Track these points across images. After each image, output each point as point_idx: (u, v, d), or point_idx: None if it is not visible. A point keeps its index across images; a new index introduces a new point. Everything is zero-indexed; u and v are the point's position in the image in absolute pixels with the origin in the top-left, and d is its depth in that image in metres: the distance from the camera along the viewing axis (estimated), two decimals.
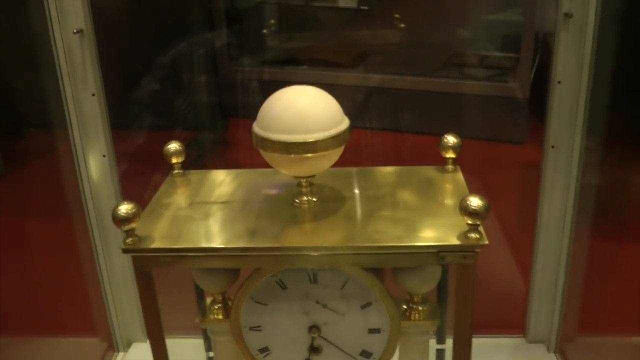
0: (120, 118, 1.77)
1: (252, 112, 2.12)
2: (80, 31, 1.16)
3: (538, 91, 2.10)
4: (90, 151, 1.24)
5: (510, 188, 1.84)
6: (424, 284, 0.83)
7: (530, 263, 1.29)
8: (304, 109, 0.75)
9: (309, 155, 0.75)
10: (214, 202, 0.85)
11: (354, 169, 0.91)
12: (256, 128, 0.78)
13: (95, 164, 1.24)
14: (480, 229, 0.76)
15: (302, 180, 0.82)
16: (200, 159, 1.97)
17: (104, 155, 1.24)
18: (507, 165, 1.97)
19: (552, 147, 1.21)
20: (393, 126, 2.16)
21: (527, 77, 2.14)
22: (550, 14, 2.14)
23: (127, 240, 0.78)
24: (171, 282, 1.00)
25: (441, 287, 0.87)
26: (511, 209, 1.69)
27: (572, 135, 1.19)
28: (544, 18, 2.17)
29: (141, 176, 1.60)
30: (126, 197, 1.26)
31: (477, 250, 0.75)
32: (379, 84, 2.23)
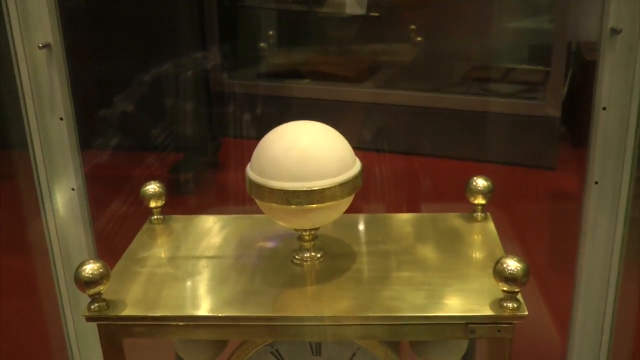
0: (95, 140, 1.74)
1: (246, 131, 2.10)
2: (47, 46, 1.11)
3: (571, 110, 2.05)
4: (57, 184, 1.18)
5: (543, 221, 1.79)
6: (448, 356, 0.77)
7: (569, 314, 1.23)
8: (308, 151, 0.71)
9: (313, 206, 0.71)
10: (200, 257, 0.80)
11: (365, 217, 0.87)
12: (250, 172, 0.73)
13: (63, 199, 1.19)
14: (519, 296, 0.70)
15: (304, 233, 0.77)
16: (188, 184, 1.94)
17: (72, 189, 1.18)
18: (537, 194, 1.91)
19: (596, 183, 1.15)
20: (406, 148, 2.11)
21: (558, 93, 2.09)
22: (584, 21, 2.10)
23: (92, 307, 0.72)
24: (146, 345, 0.94)
25: (467, 356, 0.81)
26: (545, 247, 1.64)
27: (619, 168, 1.13)
28: (577, 26, 2.12)
29: (118, 207, 1.56)
30: (99, 238, 1.22)
31: (514, 322, 0.69)
32: (389, 100, 2.19)
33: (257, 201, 0.74)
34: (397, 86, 2.23)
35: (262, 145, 0.73)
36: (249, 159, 0.75)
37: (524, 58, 2.28)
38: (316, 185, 0.70)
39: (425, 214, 0.87)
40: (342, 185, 0.71)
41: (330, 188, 0.71)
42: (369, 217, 0.87)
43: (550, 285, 1.49)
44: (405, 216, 0.87)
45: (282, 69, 2.29)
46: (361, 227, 0.86)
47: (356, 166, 0.74)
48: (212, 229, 0.86)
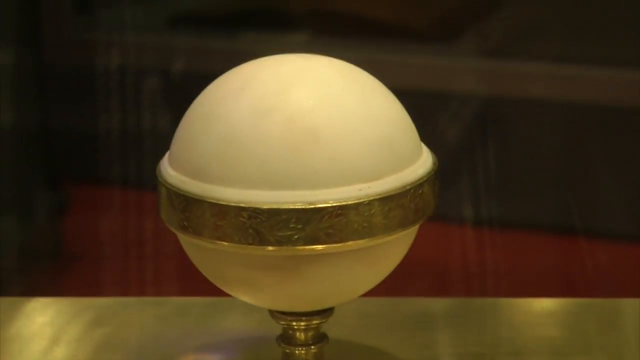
0: None
1: (136, 168, 2.00)
2: None
3: None
4: None
5: None
6: None
7: None
8: (309, 119, 0.60)
9: (320, 248, 0.59)
10: None
11: (454, 303, 0.85)
12: (169, 171, 0.64)
13: None
14: None
15: (294, 324, 0.67)
16: None
17: None
18: None
19: None
20: (560, 221, 1.97)
21: None
22: None
23: None
24: None
25: None
26: None
27: None
28: None
29: None
30: None
31: None
32: (511, 88, 1.99)
33: (183, 240, 0.63)
34: (530, 53, 1.98)
35: (201, 108, 0.63)
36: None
37: None
38: (328, 197, 0.59)
39: (592, 300, 0.88)
40: (387, 199, 0.60)
41: (359, 205, 0.59)
42: (462, 303, 0.85)
43: None
44: (545, 302, 0.87)
45: (229, 6, 2.11)
46: (438, 320, 0.81)
47: (422, 160, 0.63)
48: (62, 336, 0.80)
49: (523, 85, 2.01)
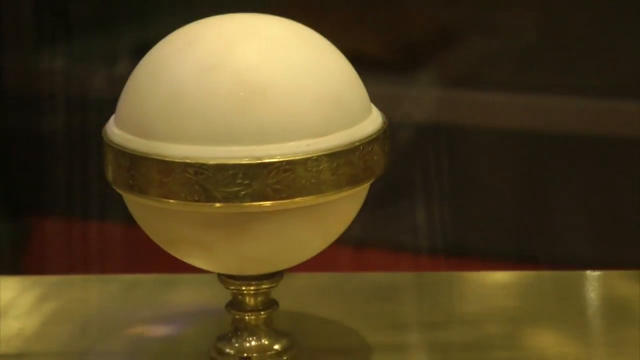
0: None
1: (100, 199, 1.98)
2: None
3: None
4: None
5: None
6: None
7: None
8: (255, 74, 0.60)
9: (268, 204, 0.58)
10: None
11: (407, 277, 0.85)
12: (114, 130, 0.64)
13: None
14: None
15: (244, 289, 0.66)
16: None
17: None
18: None
19: None
20: (518, 250, 1.92)
21: None
22: None
23: None
24: None
25: None
26: None
27: None
28: None
29: None
30: None
31: None
32: (471, 117, 2.00)
33: (129, 202, 0.63)
34: (496, 82, 1.92)
35: (146, 67, 0.63)
36: None
37: None
38: (275, 152, 0.59)
39: (547, 273, 0.88)
40: (336, 155, 0.60)
41: (307, 160, 0.59)
42: (414, 276, 0.85)
43: None
44: (499, 275, 0.87)
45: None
46: (393, 292, 0.81)
47: (372, 118, 0.63)
48: (17, 302, 0.79)
49: (482, 114, 2.02)
